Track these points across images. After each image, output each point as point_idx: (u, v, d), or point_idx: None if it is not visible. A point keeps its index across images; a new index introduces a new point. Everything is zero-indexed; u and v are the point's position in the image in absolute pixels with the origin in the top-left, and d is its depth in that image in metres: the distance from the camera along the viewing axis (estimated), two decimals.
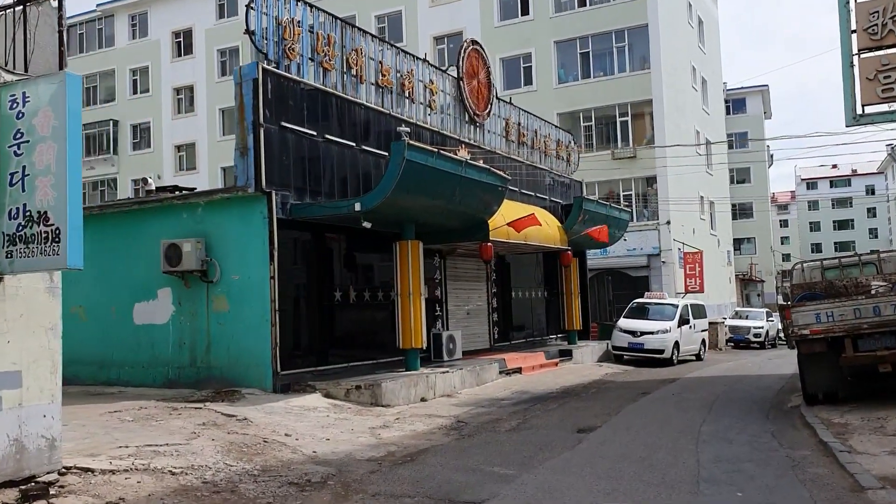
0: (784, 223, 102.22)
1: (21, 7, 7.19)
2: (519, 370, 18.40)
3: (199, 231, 14.27)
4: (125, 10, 46.40)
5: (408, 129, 14.79)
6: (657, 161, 33.72)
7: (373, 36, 17.07)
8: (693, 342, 24.68)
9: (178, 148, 45.18)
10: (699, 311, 25.75)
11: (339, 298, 15.39)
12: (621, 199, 33.53)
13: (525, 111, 24.36)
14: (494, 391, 15.75)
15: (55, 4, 7.28)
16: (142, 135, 46.60)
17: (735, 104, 66.89)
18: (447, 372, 15.44)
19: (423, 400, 14.33)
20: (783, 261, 79.98)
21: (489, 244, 17.06)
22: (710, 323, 28.32)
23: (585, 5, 35.23)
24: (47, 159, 6.45)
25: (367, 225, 13.98)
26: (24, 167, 6.56)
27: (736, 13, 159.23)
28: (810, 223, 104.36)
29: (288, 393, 13.54)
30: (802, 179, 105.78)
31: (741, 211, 65.69)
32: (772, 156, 74.75)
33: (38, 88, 6.57)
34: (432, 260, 18.75)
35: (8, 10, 7.13)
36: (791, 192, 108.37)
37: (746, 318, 35.06)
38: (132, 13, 46.50)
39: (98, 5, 46.61)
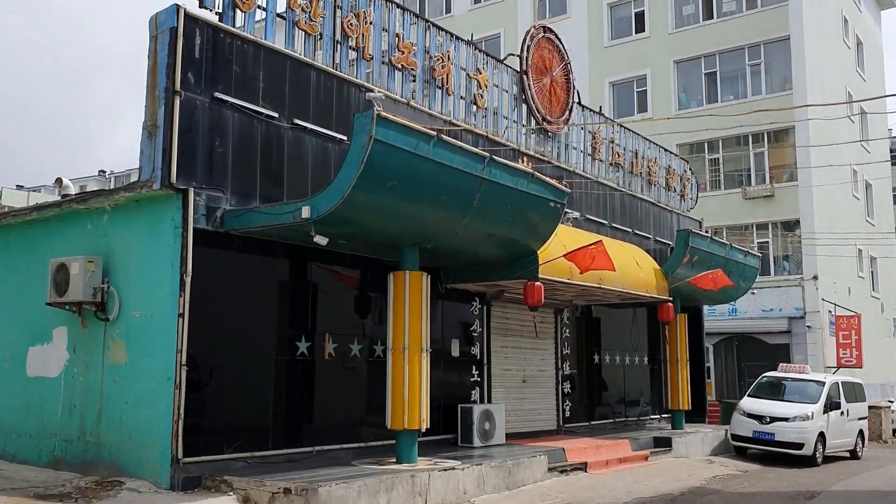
0: None
1: None
2: (583, 466, 12.94)
3: (102, 247, 10.09)
4: None
5: (380, 95, 10.03)
6: (801, 204, 27.46)
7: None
8: (846, 434, 18.22)
9: None
10: (855, 392, 19.23)
11: (304, 351, 10.72)
12: (755, 247, 27.29)
13: (621, 125, 19.24)
14: (527, 503, 10.48)
15: None
16: None
17: None
18: (453, 469, 10.26)
19: None
20: None
21: (538, 283, 12.02)
22: (870, 407, 21.56)
23: (712, 17, 29.69)
24: None
25: (320, 241, 9.30)
26: None
27: None
28: None
29: (194, 491, 8.97)
30: None
31: None
32: None
33: None
34: (468, 305, 13.81)
35: None
36: None
37: None
38: None
39: None
